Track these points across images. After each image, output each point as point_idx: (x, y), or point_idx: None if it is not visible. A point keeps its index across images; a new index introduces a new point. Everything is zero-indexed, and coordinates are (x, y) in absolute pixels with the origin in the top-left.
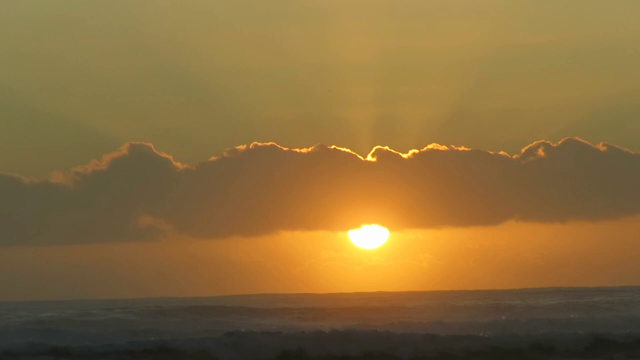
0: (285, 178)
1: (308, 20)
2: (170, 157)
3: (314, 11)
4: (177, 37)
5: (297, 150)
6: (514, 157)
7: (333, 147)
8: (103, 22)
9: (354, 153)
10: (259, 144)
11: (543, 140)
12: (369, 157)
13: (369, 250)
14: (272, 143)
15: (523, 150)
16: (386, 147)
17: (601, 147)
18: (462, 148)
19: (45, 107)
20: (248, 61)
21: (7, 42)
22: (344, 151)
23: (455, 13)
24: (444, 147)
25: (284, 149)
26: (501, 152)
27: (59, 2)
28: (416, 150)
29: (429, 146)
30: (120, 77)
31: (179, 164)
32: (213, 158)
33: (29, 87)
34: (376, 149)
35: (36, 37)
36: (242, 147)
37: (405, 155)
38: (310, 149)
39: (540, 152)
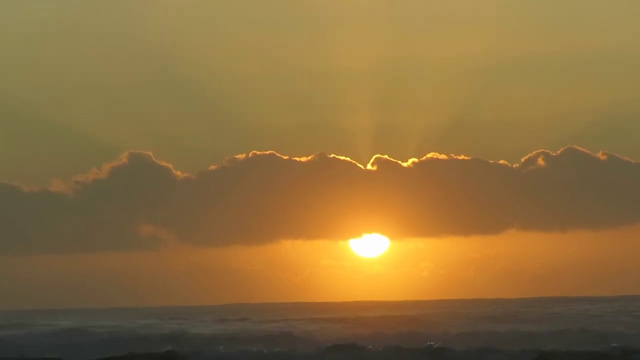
0: (286, 187)
1: (308, 28)
2: (170, 166)
3: (313, 20)
4: (176, 46)
5: (297, 158)
6: (514, 166)
7: (332, 155)
8: (103, 31)
9: (354, 162)
10: (258, 152)
11: (543, 150)
12: (369, 166)
13: (370, 259)
14: (271, 152)
15: (523, 159)
16: (385, 156)
17: (601, 156)
18: (461, 157)
19: (45, 116)
20: (248, 69)
21: (8, 49)
22: (344, 160)
23: (455, 23)
24: (443, 156)
25: (284, 157)
26: (501, 161)
27: (60, 10)
28: (416, 159)
29: (429, 155)
30: (119, 85)
31: (179, 173)
32: (213, 167)
33: (29, 95)
34: (376, 158)
35: (37, 45)
36: (242, 156)
37: (405, 164)
38: (309, 158)
39: (540, 161)
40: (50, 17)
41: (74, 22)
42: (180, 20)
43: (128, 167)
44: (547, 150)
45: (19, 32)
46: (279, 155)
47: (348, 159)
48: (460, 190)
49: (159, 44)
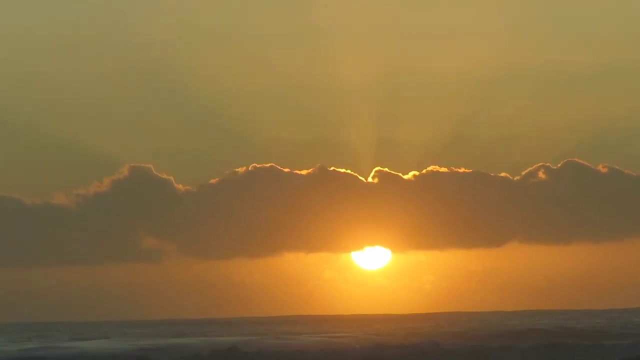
0: (287, 199)
1: (308, 43)
2: (171, 178)
3: (313, 34)
4: (177, 60)
5: (298, 171)
6: (515, 178)
7: (332, 168)
8: (104, 45)
9: (355, 174)
10: (258, 165)
11: (543, 163)
12: (370, 179)
13: (372, 271)
14: (272, 164)
15: (523, 172)
16: (386, 169)
17: (602, 169)
18: (462, 170)
19: (46, 130)
20: (248, 83)
21: (9, 65)
22: (345, 172)
23: (455, 38)
24: (444, 169)
25: (285, 170)
26: (502, 174)
27: (60, 25)
28: (416, 172)
29: (429, 168)
30: (120, 99)
31: (180, 186)
32: (213, 180)
33: (31, 110)
34: (377, 171)
35: (38, 61)
36: (242, 169)
37: (405, 177)
38: (310, 170)
39: (541, 174)
40: (51, 32)
41: (74, 37)
42: (181, 35)
43: (129, 180)
44: (547, 164)
45: (20, 47)
46: (279, 167)
47: (349, 171)
48: (461, 203)
49: (160, 58)
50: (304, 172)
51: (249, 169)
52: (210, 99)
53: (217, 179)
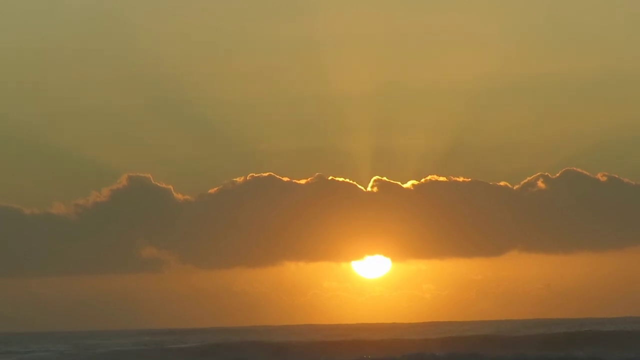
0: (286, 209)
1: (306, 52)
2: (171, 188)
3: (312, 44)
4: (175, 70)
5: (296, 181)
6: (514, 187)
7: (331, 177)
8: (102, 55)
9: (354, 183)
10: (256, 175)
11: (542, 172)
12: (369, 188)
13: (372, 280)
14: (270, 174)
15: (523, 181)
16: (385, 178)
17: (601, 178)
18: (461, 179)
19: (45, 139)
20: (247, 93)
21: (8, 74)
22: (343, 181)
23: (454, 47)
24: (443, 178)
25: (284, 179)
26: (502, 183)
27: (59, 34)
28: (415, 181)
29: (428, 177)
30: (118, 109)
31: (179, 195)
32: (212, 190)
33: (29, 119)
34: (376, 180)
35: (36, 70)
36: (240, 178)
37: (404, 186)
38: (309, 180)
39: (540, 183)
40: (50, 42)
41: (73, 47)
42: (180, 45)
43: (128, 190)
44: (546, 173)
45: (19, 56)
46: (278, 177)
47: (348, 180)
48: (460, 212)
49: (157, 68)
50: (302, 181)
51: (248, 178)
52: (208, 108)
53: (216, 189)
